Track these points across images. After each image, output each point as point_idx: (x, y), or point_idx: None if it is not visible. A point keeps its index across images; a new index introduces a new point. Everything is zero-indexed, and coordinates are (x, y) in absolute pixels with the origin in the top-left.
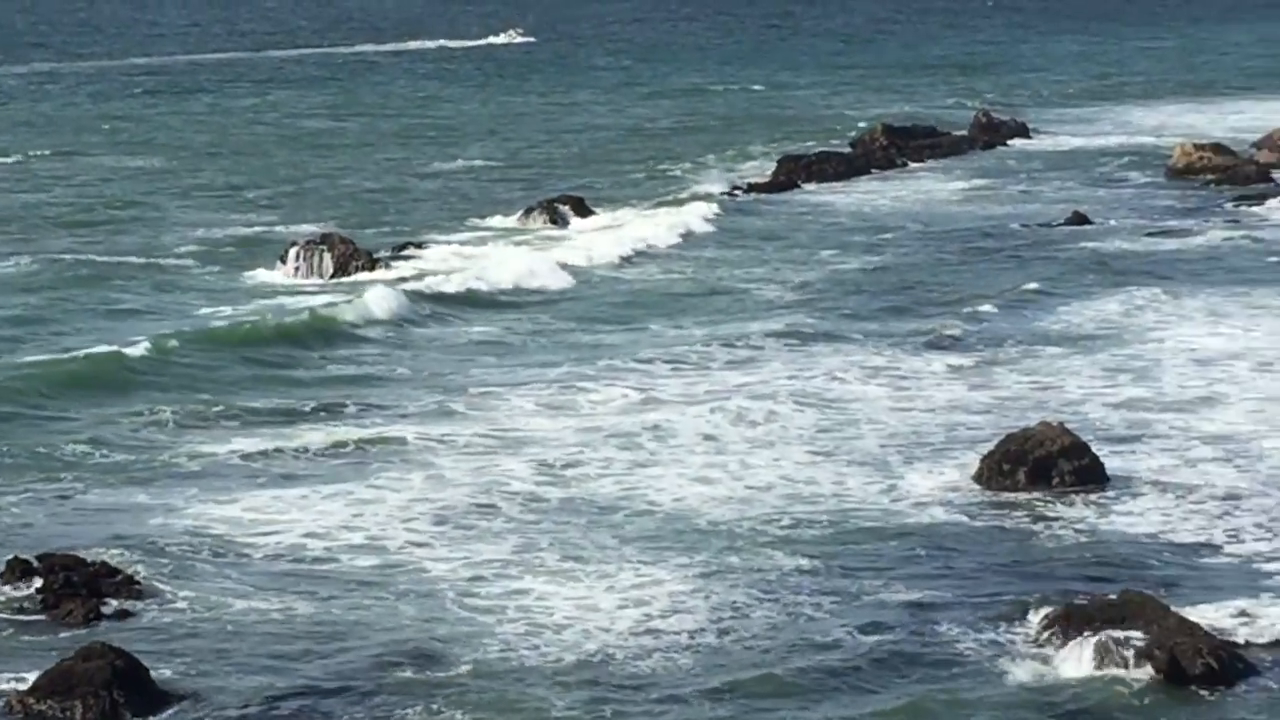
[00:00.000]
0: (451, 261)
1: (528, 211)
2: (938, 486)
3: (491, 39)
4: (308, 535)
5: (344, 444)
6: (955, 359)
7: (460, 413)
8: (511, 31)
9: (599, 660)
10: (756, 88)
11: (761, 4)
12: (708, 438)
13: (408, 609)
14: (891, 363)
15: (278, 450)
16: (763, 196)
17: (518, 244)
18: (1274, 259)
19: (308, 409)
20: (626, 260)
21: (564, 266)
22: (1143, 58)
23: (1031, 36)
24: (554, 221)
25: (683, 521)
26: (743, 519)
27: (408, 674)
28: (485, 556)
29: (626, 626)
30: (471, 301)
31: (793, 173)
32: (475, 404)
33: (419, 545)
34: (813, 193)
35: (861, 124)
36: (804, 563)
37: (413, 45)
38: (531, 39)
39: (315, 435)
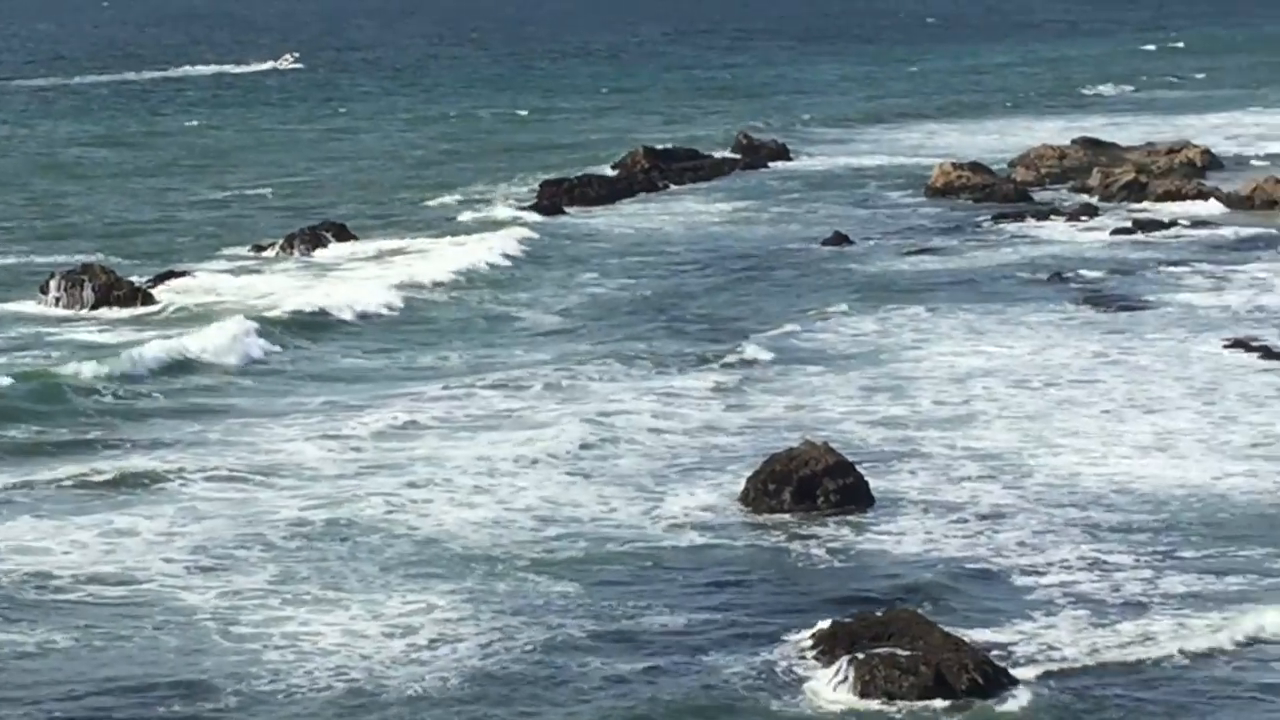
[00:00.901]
0: (214, 290)
1: (290, 239)
2: (702, 507)
3: (263, 65)
4: (61, 567)
5: (100, 475)
6: (718, 379)
7: (220, 441)
8: (286, 57)
9: (368, 688)
10: (521, 112)
11: (532, 26)
12: (474, 461)
13: (169, 640)
14: (656, 384)
15: (26, 484)
16: (526, 220)
17: (282, 272)
18: (1030, 276)
19: (62, 441)
20: (391, 286)
21: (326, 294)
22: (905, 79)
23: (796, 60)
24: (316, 248)
25: (448, 547)
26: (507, 543)
27: (175, 707)
28: (246, 586)
29: (394, 654)
30: (232, 330)
31: (555, 196)
32: (235, 432)
33: (177, 576)
34: (575, 216)
35: (624, 147)
36: (569, 587)
37: (181, 72)
38: (302, 66)
39: (70, 468)
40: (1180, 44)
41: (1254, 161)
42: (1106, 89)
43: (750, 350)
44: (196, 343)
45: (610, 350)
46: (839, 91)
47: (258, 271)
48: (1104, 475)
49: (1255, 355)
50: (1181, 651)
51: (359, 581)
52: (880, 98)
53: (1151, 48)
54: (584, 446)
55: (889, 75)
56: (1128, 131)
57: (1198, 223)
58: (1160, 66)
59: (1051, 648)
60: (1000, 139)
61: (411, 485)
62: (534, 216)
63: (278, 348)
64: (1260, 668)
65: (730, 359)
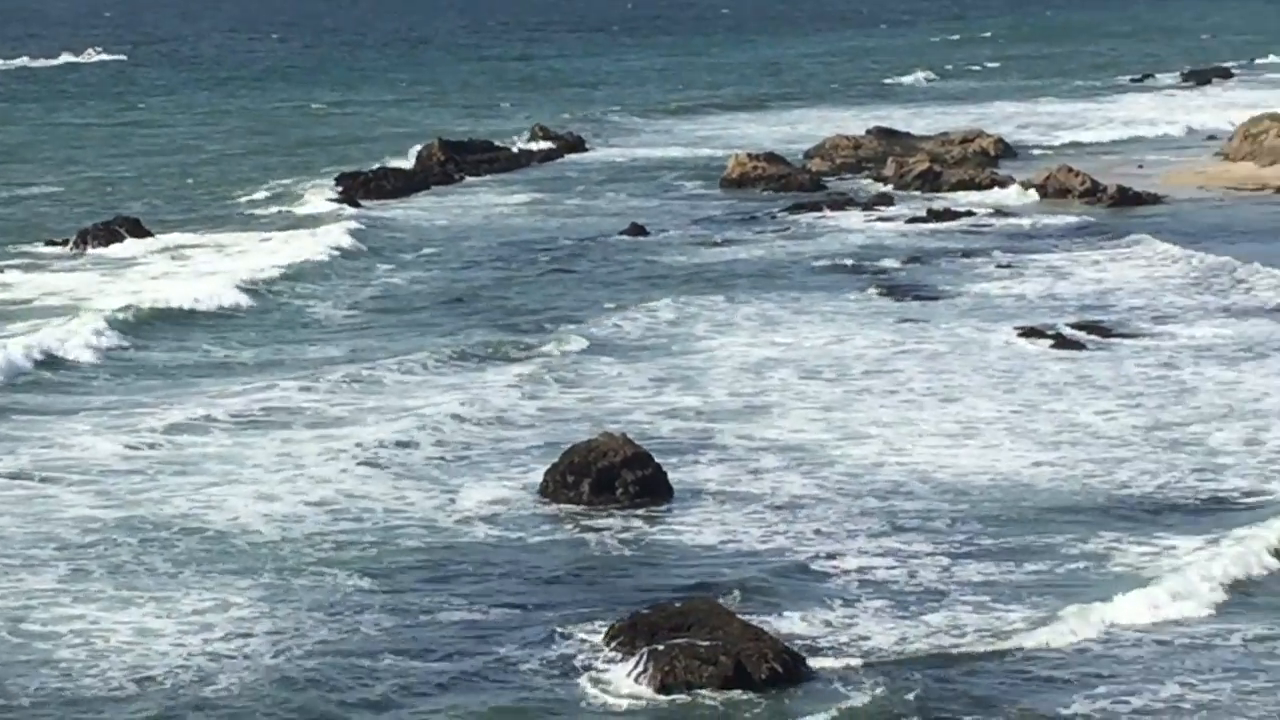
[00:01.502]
0: (5, 289)
1: (82, 235)
2: (500, 500)
3: (71, 58)
4: None
5: None
6: (516, 371)
7: (8, 439)
8: (90, 51)
9: (163, 685)
10: (316, 106)
11: (330, 19)
12: (270, 457)
13: None
14: (453, 377)
15: None
16: (323, 214)
17: (74, 270)
18: (825, 266)
19: None
20: (187, 282)
21: (118, 291)
22: (702, 71)
23: (594, 51)
24: (110, 244)
25: (243, 543)
26: (303, 539)
27: None
28: (36, 586)
29: (189, 651)
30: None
31: (351, 190)
32: (24, 430)
33: None
34: (371, 209)
35: (421, 140)
36: (365, 582)
37: None
38: (108, 57)
39: None
40: (987, 33)
41: (1047, 150)
42: (907, 79)
43: (548, 342)
44: None
45: (408, 343)
46: (636, 83)
47: (49, 269)
48: (905, 465)
49: (1048, 344)
50: (982, 639)
51: (152, 579)
52: (678, 89)
53: (956, 37)
54: (381, 441)
55: (686, 67)
56: (926, 121)
57: (992, 212)
58: (961, 56)
59: (852, 637)
60: (797, 130)
61: (206, 481)
62: (331, 210)
63: (69, 344)
64: (1057, 656)
65: (528, 351)
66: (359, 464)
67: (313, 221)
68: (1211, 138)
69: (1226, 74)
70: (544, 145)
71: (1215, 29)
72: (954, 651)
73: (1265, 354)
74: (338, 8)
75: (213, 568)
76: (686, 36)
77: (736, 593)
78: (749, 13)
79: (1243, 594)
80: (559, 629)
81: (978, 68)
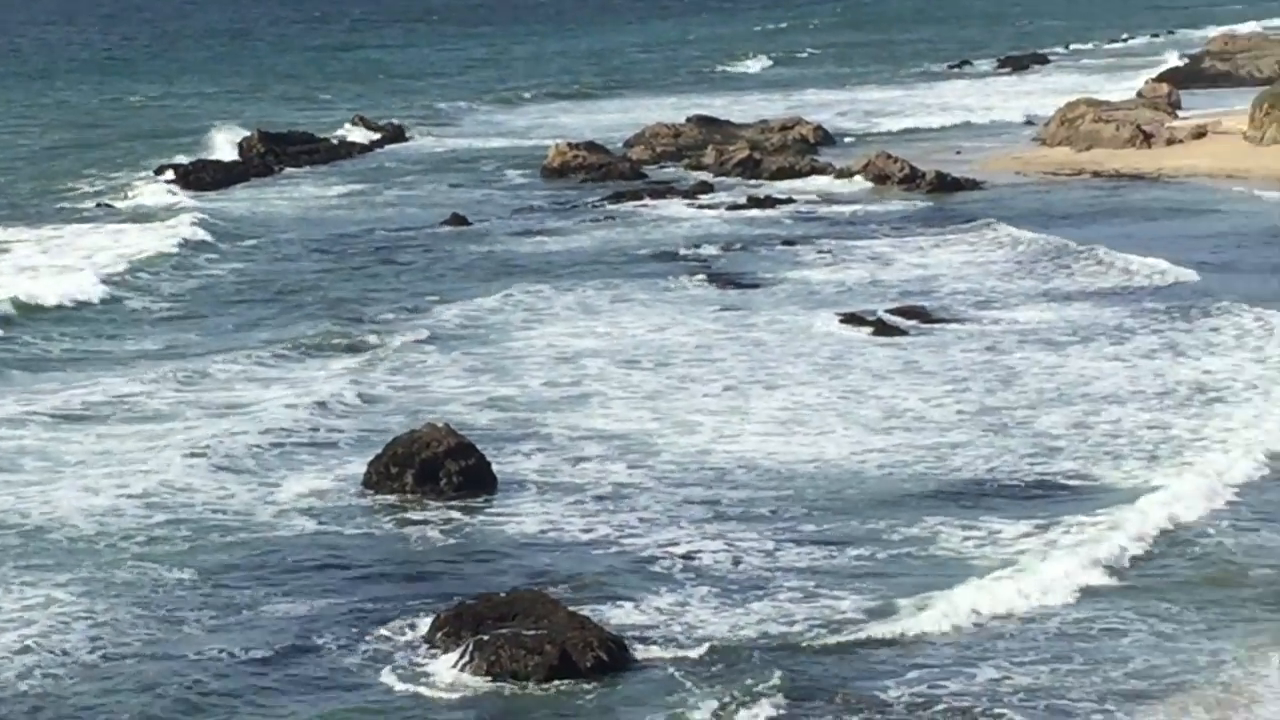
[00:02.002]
0: None
1: None
2: (324, 491)
3: None
4: None
5: None
6: (340, 363)
7: None
8: None
9: None
10: (134, 99)
11: (149, 11)
12: (90, 452)
13: None
14: (275, 369)
15: None
16: (142, 208)
17: None
18: (646, 254)
19: None
20: (6, 277)
21: None
22: (524, 61)
23: (416, 41)
24: None
25: (63, 537)
26: (124, 532)
27: None
28: None
29: (7, 648)
30: None
31: (170, 183)
32: None
33: None
34: (191, 202)
35: (241, 131)
36: (186, 575)
37: None
38: None
39: None
40: (813, 21)
41: (866, 137)
42: (734, 68)
43: (370, 333)
44: None
45: (229, 336)
46: (458, 73)
47: None
48: (731, 453)
49: (869, 330)
50: (809, 627)
51: None
52: (499, 79)
53: (778, 26)
54: (204, 434)
55: (509, 57)
56: (746, 109)
57: (812, 198)
58: (781, 44)
59: (680, 625)
60: (618, 118)
61: (24, 477)
62: (151, 204)
63: None
64: (879, 642)
65: (349, 343)
66: (182, 457)
67: (133, 216)
68: (1029, 123)
69: (1043, 60)
70: (364, 136)
71: (1032, 15)
72: (781, 638)
73: (1090, 338)
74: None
75: (31, 563)
76: (507, 26)
77: (553, 585)
78: (569, 2)
79: (1064, 579)
80: (384, 621)
81: (803, 54)
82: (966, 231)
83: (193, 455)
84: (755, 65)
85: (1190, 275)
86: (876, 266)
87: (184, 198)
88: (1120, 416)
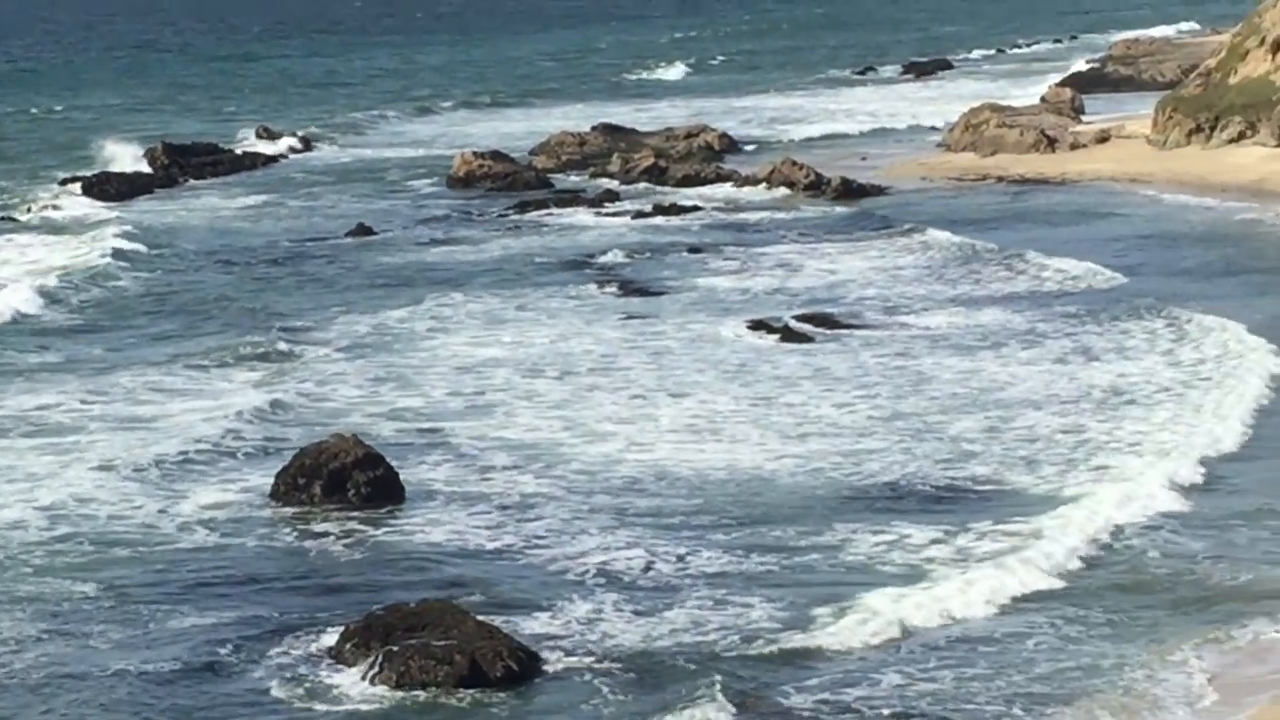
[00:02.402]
0: None
1: None
2: (230, 504)
3: None
4: None
5: None
6: (250, 374)
7: None
8: None
9: None
10: (35, 111)
11: (53, 25)
12: (1, 467)
13: None
14: (182, 380)
15: None
16: (46, 220)
17: None
18: (551, 263)
19: None
20: None
21: None
22: (430, 71)
23: (323, 52)
24: None
25: None
26: (29, 545)
27: None
28: None
29: None
30: None
31: (75, 195)
32: None
33: None
34: (96, 214)
35: (146, 143)
36: (91, 589)
37: None
38: None
39: None
40: (727, 29)
41: (771, 143)
42: (638, 75)
43: (278, 343)
44: None
45: (135, 349)
46: (364, 83)
47: None
48: (641, 461)
49: (776, 337)
50: (720, 634)
51: None
52: (406, 90)
53: (693, 34)
54: (111, 447)
55: (416, 67)
56: (651, 116)
57: (718, 206)
58: (692, 51)
59: (591, 634)
60: (524, 127)
61: None
62: (55, 216)
63: None
64: (788, 648)
65: (256, 354)
66: (88, 470)
67: (37, 228)
68: (933, 129)
69: (947, 65)
70: (269, 147)
71: (938, 20)
72: (694, 647)
73: (1001, 342)
74: (61, 10)
75: None
76: (414, 35)
77: (463, 595)
78: (476, 12)
79: (973, 586)
80: (292, 633)
81: (712, 61)
82: (875, 237)
83: (99, 469)
84: (662, 73)
85: (1100, 279)
86: (784, 273)
87: (88, 210)
88: (1034, 421)
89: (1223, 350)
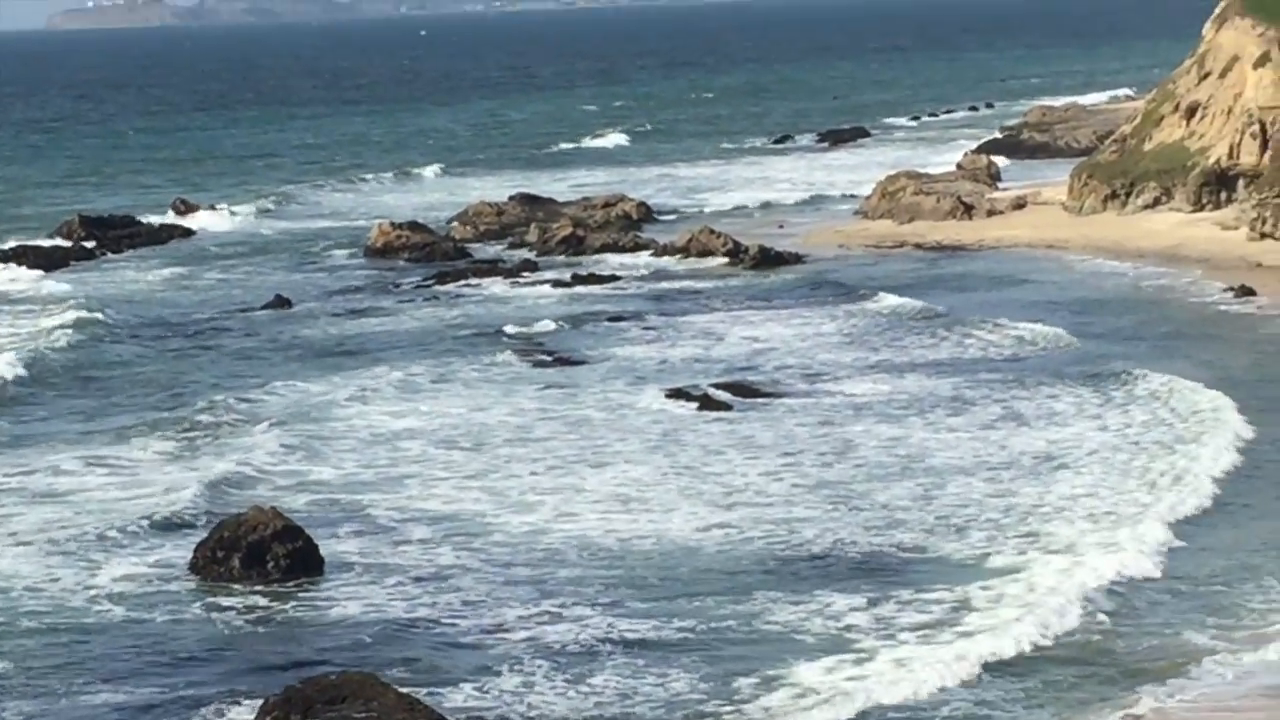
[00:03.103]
0: None
1: None
2: (147, 576)
3: None
4: None
5: None
6: (166, 445)
7: None
8: None
9: None
10: None
11: None
12: None
13: None
14: (99, 449)
15: None
16: None
17: None
18: (469, 334)
19: None
20: None
21: None
22: (351, 143)
23: (238, 122)
24: None
25: None
26: None
27: None
28: None
29: None
30: None
31: None
32: None
33: None
34: (9, 287)
35: (63, 216)
36: (3, 664)
37: None
38: None
39: None
40: (649, 100)
41: (688, 212)
42: (557, 147)
43: (194, 414)
44: None
45: (52, 421)
46: (283, 154)
47: None
48: (562, 532)
49: (695, 405)
50: (635, 703)
51: None
52: (325, 161)
53: (618, 104)
54: (26, 520)
55: (334, 139)
56: (568, 185)
57: (637, 275)
58: (612, 121)
59: (515, 706)
60: (443, 197)
61: None
62: None
63: None
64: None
65: (174, 426)
66: (3, 544)
67: None
68: (850, 196)
69: (864, 133)
70: (187, 220)
71: (853, 89)
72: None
73: (926, 409)
74: None
75: None
76: (334, 107)
77: (384, 668)
78: (394, 83)
79: (889, 653)
80: (212, 706)
81: (639, 129)
82: (794, 305)
83: (16, 543)
84: (581, 143)
85: (1023, 344)
86: (703, 341)
87: (1, 283)
88: (963, 488)
89: (1150, 416)
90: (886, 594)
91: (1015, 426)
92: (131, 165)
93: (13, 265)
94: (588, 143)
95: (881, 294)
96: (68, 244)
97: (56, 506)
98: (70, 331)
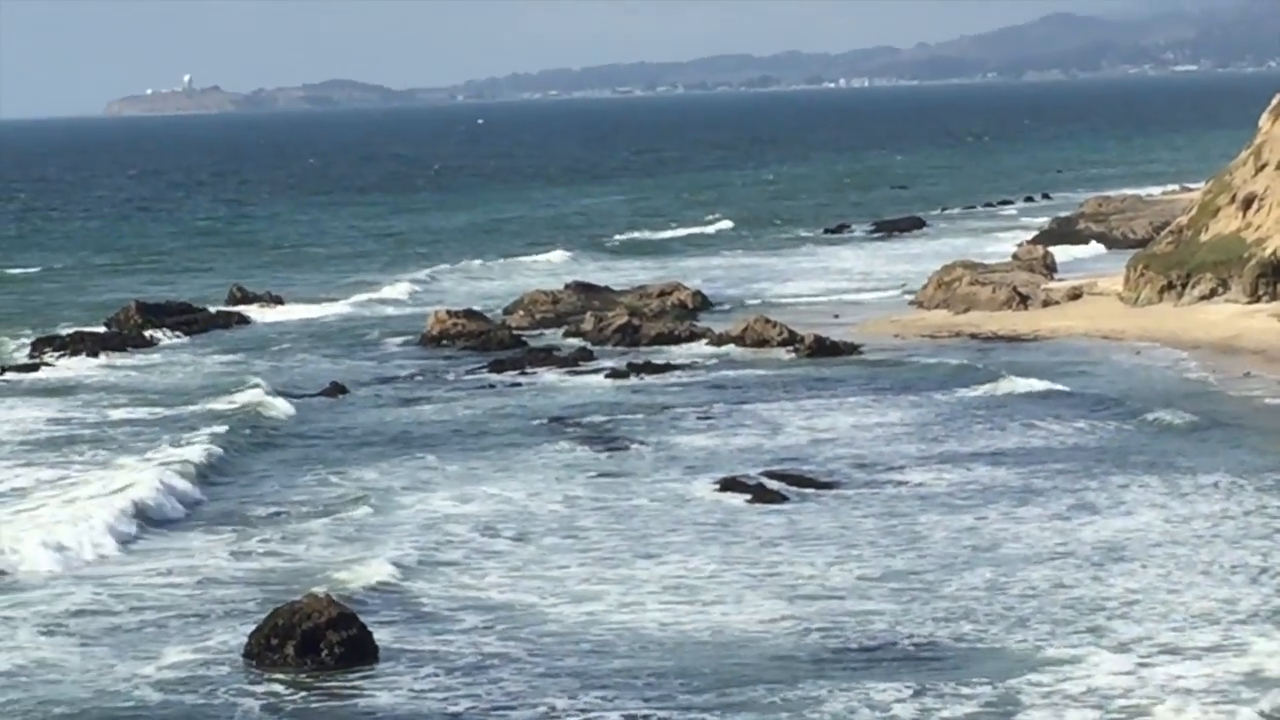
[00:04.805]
0: None
1: None
2: (204, 664)
3: None
4: None
5: None
6: (220, 533)
7: None
8: None
9: None
10: (14, 271)
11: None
12: None
13: None
14: (156, 540)
15: None
16: (13, 380)
17: None
18: (526, 424)
19: None
20: None
21: None
22: (413, 231)
23: (307, 211)
24: None
25: None
26: None
27: None
28: None
29: None
30: None
31: (46, 353)
32: None
33: None
34: (65, 370)
35: (121, 303)
36: None
37: None
38: None
39: None
40: (685, 194)
41: (744, 302)
42: (611, 237)
43: (246, 504)
44: None
45: (101, 503)
46: (340, 243)
47: None
48: (615, 623)
49: (748, 496)
50: None
51: None
52: (380, 250)
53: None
54: (76, 608)
55: (390, 228)
56: (622, 275)
57: (692, 364)
58: (659, 211)
59: None
60: (499, 285)
61: None
62: (19, 377)
63: None
64: None
65: (231, 512)
66: (54, 634)
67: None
68: (905, 286)
69: (920, 223)
70: (244, 307)
71: (910, 180)
72: None
73: (993, 499)
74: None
75: None
76: (394, 196)
77: None
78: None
79: None
80: None
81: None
82: (848, 394)
83: (68, 633)
84: (632, 234)
85: (1084, 435)
86: (759, 430)
87: (60, 366)
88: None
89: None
90: (933, 684)
91: (1088, 515)
92: (191, 254)
93: (72, 350)
94: (640, 234)
95: (934, 383)
96: (124, 330)
97: (92, 587)
98: (118, 419)
